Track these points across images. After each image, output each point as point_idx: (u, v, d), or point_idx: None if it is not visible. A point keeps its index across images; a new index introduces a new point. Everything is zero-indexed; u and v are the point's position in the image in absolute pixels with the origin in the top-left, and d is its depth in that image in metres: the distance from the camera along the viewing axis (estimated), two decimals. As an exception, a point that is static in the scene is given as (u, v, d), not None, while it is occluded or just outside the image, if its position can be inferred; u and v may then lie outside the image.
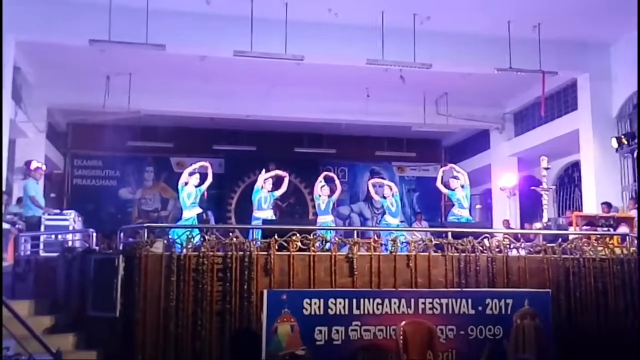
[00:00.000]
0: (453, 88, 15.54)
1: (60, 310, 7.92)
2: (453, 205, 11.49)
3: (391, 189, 11.63)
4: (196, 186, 10.21)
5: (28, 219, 10.72)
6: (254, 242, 7.90)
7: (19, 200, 12.30)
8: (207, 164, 10.57)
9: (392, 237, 8.45)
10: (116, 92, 14.56)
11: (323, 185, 11.18)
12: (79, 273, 7.96)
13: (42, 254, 9.52)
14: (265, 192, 10.67)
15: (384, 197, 11.65)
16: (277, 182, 11.23)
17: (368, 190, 19.87)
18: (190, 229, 8.57)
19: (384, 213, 11.91)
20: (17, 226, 10.70)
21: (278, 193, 11.12)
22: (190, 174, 10.36)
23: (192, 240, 7.83)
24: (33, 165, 11.68)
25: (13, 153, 14.02)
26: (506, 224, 15.48)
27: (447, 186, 11.51)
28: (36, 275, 8.73)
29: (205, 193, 10.46)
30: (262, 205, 10.62)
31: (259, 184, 10.80)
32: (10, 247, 10.24)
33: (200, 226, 9.91)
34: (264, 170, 10.96)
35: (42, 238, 9.88)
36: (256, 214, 10.69)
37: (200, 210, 10.12)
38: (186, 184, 10.21)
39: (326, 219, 10.90)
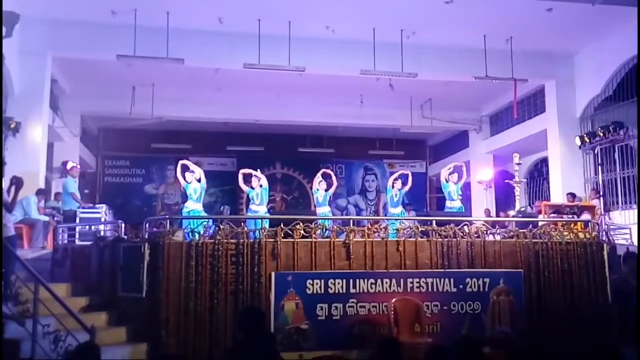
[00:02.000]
0: (436, 94, 15.50)
1: (94, 292, 7.94)
2: (444, 197, 11.46)
3: (402, 184, 11.47)
4: (198, 181, 10.15)
5: (65, 212, 10.72)
6: (263, 230, 7.91)
7: (57, 195, 12.30)
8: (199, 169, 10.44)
9: (399, 226, 8.45)
10: (141, 100, 14.54)
11: (321, 181, 11.18)
12: (110, 259, 7.97)
13: (77, 242, 9.51)
14: (258, 189, 10.63)
15: (392, 188, 11.49)
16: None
17: (363, 184, 20.16)
18: (205, 220, 8.56)
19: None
20: (55, 219, 10.71)
21: (331, 191, 11.13)
22: (185, 171, 10.25)
23: (208, 229, 7.85)
24: (69, 165, 11.67)
25: (51, 155, 13.97)
26: (487, 212, 15.46)
27: (446, 179, 11.43)
28: (72, 261, 8.74)
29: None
30: (255, 201, 10.60)
31: (254, 183, 10.73)
32: (50, 237, 10.25)
33: (215, 217, 9.91)
34: (258, 170, 10.89)
35: (77, 229, 9.87)
36: (252, 207, 10.69)
37: (200, 207, 10.03)
38: (189, 182, 10.15)
39: (324, 210, 10.90)
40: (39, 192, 10.79)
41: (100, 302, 7.69)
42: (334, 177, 11.50)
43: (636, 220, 10.64)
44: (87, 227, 9.84)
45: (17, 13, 9.66)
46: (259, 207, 10.56)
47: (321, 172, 11.59)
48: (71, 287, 7.93)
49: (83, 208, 10.54)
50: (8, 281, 6.27)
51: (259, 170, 10.93)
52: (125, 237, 8.48)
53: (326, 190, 11.09)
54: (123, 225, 8.96)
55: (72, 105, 14.82)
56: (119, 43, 11.19)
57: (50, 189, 13.62)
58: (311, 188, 12.00)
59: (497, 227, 9.01)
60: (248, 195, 11.03)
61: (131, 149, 18.25)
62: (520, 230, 8.68)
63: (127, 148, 18.16)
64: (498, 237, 8.77)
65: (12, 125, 10.83)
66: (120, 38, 11.21)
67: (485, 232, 8.63)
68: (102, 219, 10.31)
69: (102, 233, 9.37)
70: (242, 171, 11.05)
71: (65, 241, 9.51)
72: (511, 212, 12.71)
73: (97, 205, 11.23)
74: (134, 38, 10.92)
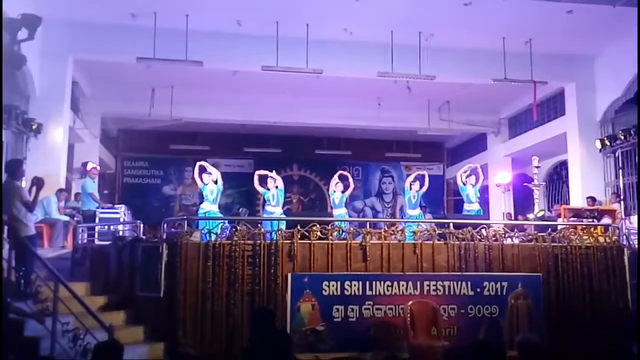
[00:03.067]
0: (454, 97, 15.41)
1: (112, 291, 8.01)
2: (462, 200, 11.40)
3: (420, 186, 11.43)
4: (215, 182, 10.22)
5: (85, 212, 10.84)
6: (279, 231, 7.92)
7: (77, 196, 12.44)
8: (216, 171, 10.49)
9: (416, 229, 8.42)
10: (160, 102, 14.65)
11: (337, 182, 11.18)
12: (128, 259, 8.03)
13: (96, 242, 9.61)
14: (274, 190, 10.65)
15: (409, 190, 11.44)
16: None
17: (379, 186, 20.11)
18: (222, 221, 8.60)
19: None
20: (75, 218, 10.83)
21: (348, 193, 11.16)
22: (202, 172, 10.31)
23: (225, 230, 7.88)
24: (89, 166, 11.80)
25: (72, 156, 14.14)
26: (508, 216, 15.28)
27: (463, 182, 11.38)
28: (91, 260, 8.83)
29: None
30: (271, 202, 10.62)
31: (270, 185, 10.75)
32: (69, 237, 10.37)
33: (232, 218, 9.97)
34: (274, 172, 10.90)
35: (96, 229, 9.98)
36: (268, 208, 10.72)
37: (215, 208, 10.08)
38: (206, 183, 10.21)
39: (340, 212, 10.90)
40: (59, 192, 10.92)
41: (119, 301, 7.75)
42: (350, 179, 11.49)
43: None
44: (106, 227, 9.94)
45: (39, 16, 9.81)
46: (275, 209, 10.58)
47: (338, 173, 11.58)
48: (90, 286, 8.02)
49: (102, 208, 10.65)
50: (28, 279, 6.36)
51: (274, 171, 10.95)
52: (144, 237, 8.55)
53: (343, 192, 11.08)
54: (141, 225, 9.04)
55: (92, 107, 14.97)
56: (139, 45, 11.28)
57: (70, 190, 13.78)
58: (328, 190, 12.00)
59: (515, 230, 8.91)
60: (264, 196, 11.07)
61: (150, 150, 18.40)
62: (539, 234, 8.59)
63: (146, 149, 18.32)
64: (516, 241, 8.69)
65: (34, 127, 10.99)
66: (140, 40, 11.30)
67: (503, 235, 8.55)
68: (121, 219, 10.39)
69: (120, 233, 9.46)
70: (257, 172, 11.09)
71: (85, 241, 9.61)
72: (530, 216, 12.58)
73: (116, 206, 11.33)
74: (153, 40, 11.01)
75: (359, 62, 12.43)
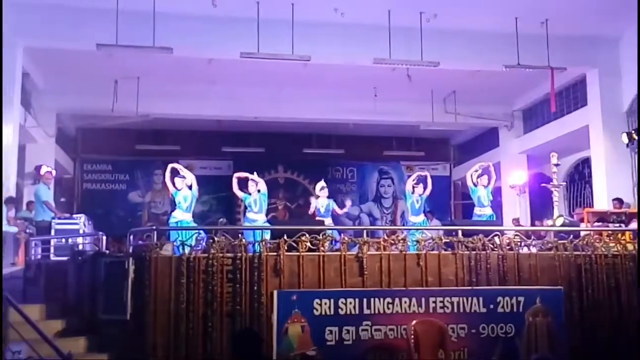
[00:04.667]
0: (461, 86, 15.48)
1: (71, 314, 7.94)
2: (471, 204, 11.45)
3: (423, 189, 11.52)
4: (189, 187, 10.20)
5: (38, 223, 10.76)
6: (263, 242, 7.89)
7: (29, 204, 12.35)
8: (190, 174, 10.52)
9: (420, 237, 8.42)
10: (124, 96, 14.61)
11: (322, 188, 11.30)
12: (90, 276, 7.97)
13: (52, 258, 9.56)
14: (255, 195, 10.65)
15: (412, 194, 11.52)
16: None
17: (377, 190, 20.16)
18: (197, 231, 8.57)
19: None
20: (27, 231, 10.76)
21: (426, 194, 11.38)
22: (174, 176, 10.33)
23: (200, 242, 7.85)
24: (43, 170, 11.74)
25: (23, 158, 14.07)
26: (516, 222, 15.36)
27: (474, 183, 11.44)
28: (47, 279, 8.76)
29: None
30: (253, 208, 10.62)
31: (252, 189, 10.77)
32: (21, 252, 10.30)
33: (208, 227, 9.92)
34: (255, 174, 10.94)
35: (52, 242, 9.91)
36: (249, 216, 10.72)
37: (189, 217, 10.09)
38: (178, 189, 10.19)
39: (328, 221, 10.96)
40: (9, 201, 10.85)
41: (79, 326, 7.68)
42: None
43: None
44: (63, 240, 9.88)
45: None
46: (258, 216, 10.58)
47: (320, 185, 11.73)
48: (45, 308, 7.94)
49: (59, 218, 10.58)
50: (-27, 303, 6.29)
51: (256, 173, 10.96)
52: (107, 251, 8.49)
53: (328, 198, 11.20)
54: (104, 237, 8.97)
55: (46, 102, 14.91)
56: (99, 30, 11.24)
57: (21, 198, 13.69)
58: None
59: (532, 238, 8.94)
60: (244, 202, 11.06)
61: (113, 152, 18.34)
62: (560, 242, 8.61)
63: (109, 150, 18.25)
64: (534, 250, 8.71)
65: (-23, 125, 10.90)
66: (100, 25, 11.26)
67: (519, 243, 8.57)
68: (81, 231, 10.34)
69: (80, 247, 9.40)
70: (236, 175, 11.09)
71: (39, 256, 9.54)
72: (549, 221, 12.63)
73: (74, 216, 11.27)
74: (115, 25, 10.96)
75: (352, 47, 12.45)
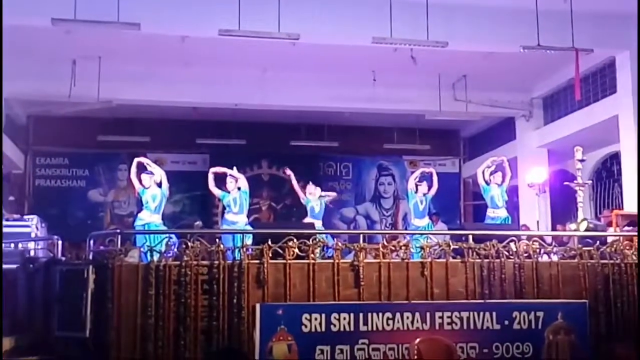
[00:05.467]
0: (472, 70, 15.50)
1: (22, 331, 7.93)
2: (484, 205, 11.50)
3: (428, 188, 11.55)
4: (158, 185, 10.20)
5: (-16, 225, 10.72)
6: (244, 248, 7.89)
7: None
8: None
9: (425, 243, 8.44)
10: (84, 79, 14.54)
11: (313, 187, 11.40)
12: (43, 287, 7.96)
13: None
14: (235, 193, 10.67)
15: (415, 193, 11.56)
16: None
17: (376, 188, 20.20)
18: (168, 235, 8.55)
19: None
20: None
21: (431, 193, 11.45)
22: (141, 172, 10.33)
23: (172, 248, 7.85)
24: (-12, 165, 11.68)
25: (-35, 151, 13.99)
26: (525, 228, 15.36)
27: (487, 180, 11.48)
28: (-7, 290, 8.72)
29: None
30: (232, 208, 10.64)
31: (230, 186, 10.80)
32: (-37, 259, 10.25)
33: (181, 231, 9.92)
34: (235, 169, 10.95)
35: None
36: (228, 217, 10.74)
37: (158, 219, 10.10)
38: (146, 187, 10.19)
39: (319, 224, 11.00)
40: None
41: (31, 344, 7.69)
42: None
43: None
44: (12, 245, 9.83)
45: None
46: (238, 217, 10.59)
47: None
48: (-8, 324, 7.92)
49: (7, 220, 10.55)
50: None
51: (235, 168, 10.97)
52: (63, 258, 8.47)
53: (321, 197, 11.23)
54: (60, 242, 8.95)
55: (-8, 86, 14.83)
56: (55, 3, 11.18)
57: (-36, 196, 13.61)
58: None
59: (553, 244, 8.99)
60: (222, 201, 11.06)
61: (71, 143, 18.30)
62: (585, 249, 8.66)
63: (66, 142, 18.20)
64: (555, 258, 8.75)
65: None
66: (56, -4, 11.22)
67: (538, 250, 8.62)
68: (33, 235, 10.31)
69: (32, 253, 9.37)
70: (212, 170, 11.10)
71: (-16, 264, 9.49)
72: (572, 225, 12.68)
73: (25, 217, 11.24)
74: (74, -4, 10.93)
75: (347, 24, 12.45)
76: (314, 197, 11.49)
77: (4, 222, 10.39)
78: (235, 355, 4.97)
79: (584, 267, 8.47)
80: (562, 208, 16.53)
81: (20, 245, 9.78)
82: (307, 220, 11.28)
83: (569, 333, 8.21)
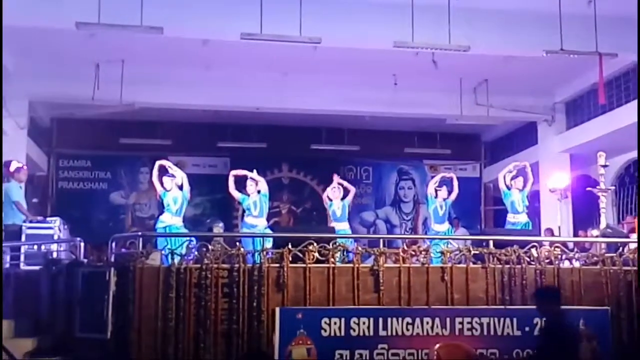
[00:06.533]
0: (494, 74, 15.43)
1: (44, 331, 7.99)
2: (504, 210, 11.46)
3: (447, 192, 11.54)
4: (179, 188, 10.26)
5: (7, 227, 10.75)
6: (264, 252, 7.92)
7: (-4, 205, 12.39)
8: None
9: (445, 248, 8.43)
10: (107, 82, 14.62)
11: (334, 188, 11.33)
12: (65, 289, 8.01)
13: (23, 267, 9.57)
14: (255, 196, 10.70)
15: (435, 198, 11.56)
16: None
17: (396, 192, 20.16)
18: (189, 238, 8.61)
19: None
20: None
21: (451, 198, 11.55)
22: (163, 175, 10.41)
23: (192, 251, 7.89)
24: (13, 166, 11.74)
25: (-10, 153, 14.13)
26: (549, 233, 15.29)
27: (508, 185, 11.45)
28: (16, 291, 8.77)
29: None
30: (252, 211, 10.68)
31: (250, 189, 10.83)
32: (-14, 260, 10.35)
33: (201, 234, 9.96)
34: (255, 172, 10.99)
35: (23, 249, 9.94)
36: (248, 221, 10.78)
37: (179, 221, 10.17)
38: (167, 189, 10.25)
39: (343, 227, 10.98)
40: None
41: (52, 345, 7.74)
42: (346, 184, 11.69)
43: None
44: (35, 247, 9.91)
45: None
46: (258, 220, 10.63)
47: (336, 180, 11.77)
48: (14, 325, 8.00)
49: (30, 222, 10.62)
50: None
51: (256, 171, 11.00)
52: (85, 260, 8.53)
53: (342, 200, 11.21)
54: (82, 244, 9.02)
55: (17, 88, 14.93)
56: (79, 7, 11.26)
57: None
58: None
59: (575, 250, 8.92)
60: (242, 204, 11.10)
61: (94, 146, 18.42)
62: (607, 255, 8.59)
63: (89, 144, 18.33)
64: (577, 264, 8.70)
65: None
66: (81, 0, 11.29)
67: (559, 256, 8.56)
68: (55, 237, 10.36)
69: (54, 255, 9.43)
70: (233, 173, 11.14)
71: (7, 265, 9.56)
72: (594, 231, 12.58)
73: (48, 219, 11.29)
74: (98, 0, 10.99)
75: (368, 28, 12.45)
76: (336, 200, 11.42)
77: (28, 224, 10.49)
78: (261, 358, 5.01)
79: (607, 273, 8.41)
80: (585, 214, 16.40)
81: (43, 247, 9.83)
82: (332, 224, 11.27)
83: (590, 340, 8.13)
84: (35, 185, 17.44)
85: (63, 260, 8.75)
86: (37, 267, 8.91)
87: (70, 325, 7.77)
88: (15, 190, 11.03)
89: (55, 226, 10.61)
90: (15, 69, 14.69)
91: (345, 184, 12.14)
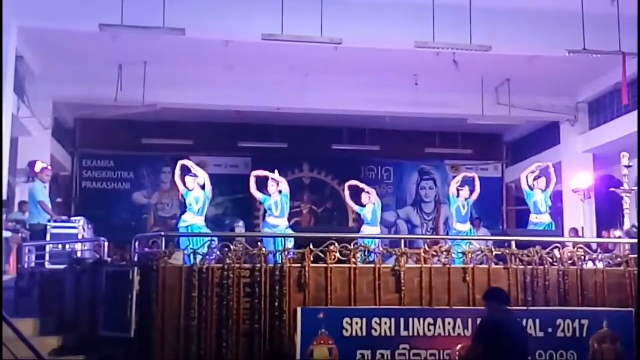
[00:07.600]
0: (516, 74, 15.35)
1: (69, 330, 8.06)
2: (527, 210, 11.40)
3: (469, 192, 11.53)
4: (201, 187, 10.32)
5: (32, 226, 10.90)
6: (285, 252, 7.93)
7: (21, 205, 12.52)
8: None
9: (467, 248, 8.40)
10: (129, 83, 14.76)
11: (365, 192, 11.39)
12: (89, 287, 8.08)
13: (47, 266, 9.66)
14: (276, 196, 10.72)
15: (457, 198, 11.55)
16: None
17: (417, 192, 20.10)
18: (210, 238, 8.64)
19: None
20: (20, 235, 10.90)
21: (473, 198, 11.47)
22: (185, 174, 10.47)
23: (214, 250, 7.93)
24: (38, 167, 11.88)
25: (15, 153, 14.22)
26: (573, 232, 15.17)
27: (530, 186, 11.42)
28: (41, 290, 8.88)
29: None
30: (273, 212, 10.69)
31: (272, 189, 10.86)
32: (12, 258, 10.45)
33: (223, 234, 9.99)
34: (276, 172, 11.01)
35: (47, 248, 10.03)
36: (269, 221, 10.80)
37: (201, 221, 10.22)
38: (189, 189, 10.31)
39: (375, 230, 11.00)
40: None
41: (76, 344, 7.80)
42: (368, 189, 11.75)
43: None
44: (60, 246, 10.00)
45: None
46: (279, 220, 10.65)
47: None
48: (40, 323, 8.08)
49: (55, 221, 10.72)
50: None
51: (277, 171, 11.03)
52: (109, 259, 8.60)
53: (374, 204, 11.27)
54: (106, 244, 9.08)
55: (42, 89, 15.10)
56: (102, 9, 11.37)
57: (12, 197, 13.89)
58: (351, 197, 12.10)
59: (599, 250, 8.85)
60: (263, 204, 11.12)
61: (116, 146, 18.55)
62: (631, 256, 8.51)
63: (112, 144, 18.46)
64: (600, 265, 8.62)
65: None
66: (104, 3, 11.39)
67: (582, 257, 8.50)
68: (79, 236, 10.45)
69: (79, 254, 9.51)
70: (254, 173, 11.18)
71: (33, 264, 9.68)
72: (617, 232, 12.47)
73: (72, 218, 11.40)
74: (121, 3, 11.08)
75: (389, 28, 12.44)
76: (369, 204, 11.47)
77: (53, 224, 10.60)
78: (282, 358, 5.04)
79: (630, 274, 8.33)
80: (608, 214, 16.26)
81: (67, 246, 9.92)
82: (364, 228, 11.28)
83: (614, 341, 8.08)
84: (59, 185, 17.61)
85: (87, 260, 8.82)
86: (61, 266, 8.98)
87: (94, 323, 7.84)
88: (40, 190, 11.15)
89: (80, 225, 10.71)
90: (40, 71, 14.87)
91: (362, 185, 12.12)
